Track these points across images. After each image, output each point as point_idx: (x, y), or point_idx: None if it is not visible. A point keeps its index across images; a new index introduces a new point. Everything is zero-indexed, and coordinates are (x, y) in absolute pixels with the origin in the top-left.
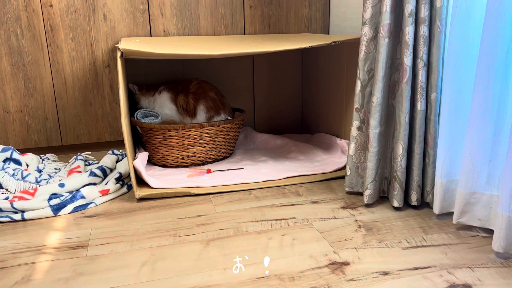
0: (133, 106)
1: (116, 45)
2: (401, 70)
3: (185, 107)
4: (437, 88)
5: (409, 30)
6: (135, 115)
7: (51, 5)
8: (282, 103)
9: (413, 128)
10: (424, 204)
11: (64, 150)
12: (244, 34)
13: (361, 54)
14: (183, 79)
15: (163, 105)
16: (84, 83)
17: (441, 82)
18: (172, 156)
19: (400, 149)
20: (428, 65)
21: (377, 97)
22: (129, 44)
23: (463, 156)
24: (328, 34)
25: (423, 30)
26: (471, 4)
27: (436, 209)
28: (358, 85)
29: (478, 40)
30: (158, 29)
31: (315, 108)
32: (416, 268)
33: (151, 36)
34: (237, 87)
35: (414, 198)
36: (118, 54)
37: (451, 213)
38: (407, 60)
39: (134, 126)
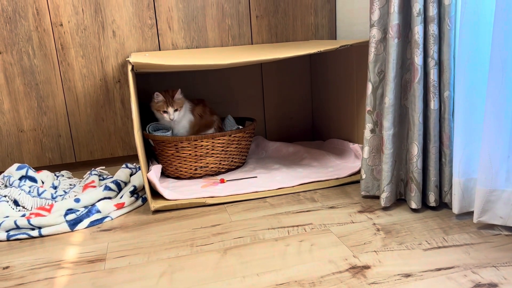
0: (144, 120)
1: (126, 59)
2: (412, 70)
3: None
4: (449, 86)
5: (418, 30)
6: (147, 129)
7: (61, 24)
8: (293, 110)
9: (427, 127)
10: (443, 204)
11: (78, 166)
12: (252, 44)
13: (371, 56)
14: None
15: (185, 116)
16: (96, 99)
17: (454, 80)
18: (185, 168)
19: (415, 149)
20: (440, 64)
21: (389, 98)
22: (139, 58)
23: (481, 153)
24: (336, 39)
25: (433, 28)
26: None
27: (455, 209)
28: (369, 87)
29: (489, 35)
30: (167, 42)
31: (326, 114)
32: (439, 269)
33: (160, 50)
34: (247, 97)
35: (432, 199)
36: (129, 67)
37: (471, 213)
38: (418, 60)
39: (146, 140)
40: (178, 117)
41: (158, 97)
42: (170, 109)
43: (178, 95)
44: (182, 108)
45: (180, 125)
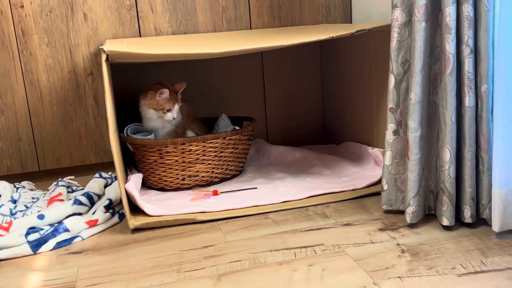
0: (122, 120)
1: (100, 47)
2: (443, 59)
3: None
4: (487, 79)
5: (450, 11)
6: (124, 131)
7: (22, 6)
8: (299, 108)
9: (461, 128)
10: (480, 220)
11: (42, 176)
12: (250, 28)
13: (393, 43)
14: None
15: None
16: (64, 95)
17: (493, 71)
18: (171, 177)
19: (447, 154)
20: (476, 52)
21: (415, 93)
22: (115, 46)
23: None
24: (351, 23)
25: (467, 10)
26: None
27: (496, 226)
28: (392, 80)
29: None
30: (149, 27)
31: (340, 112)
32: None
33: (140, 36)
34: (244, 92)
35: (467, 214)
36: (103, 57)
37: None
38: (450, 47)
39: (124, 144)
40: (177, 116)
41: (163, 94)
42: (176, 107)
43: (181, 86)
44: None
45: (168, 126)
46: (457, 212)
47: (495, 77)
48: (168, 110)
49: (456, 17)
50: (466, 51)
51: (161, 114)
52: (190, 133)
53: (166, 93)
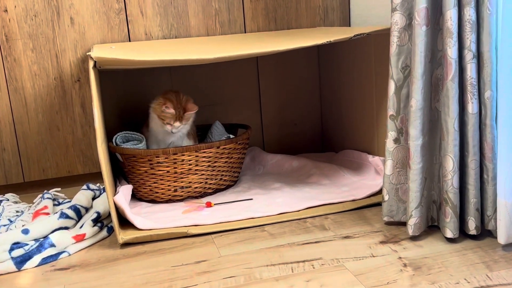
0: (111, 128)
1: (87, 54)
2: (444, 65)
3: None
4: (491, 84)
5: (451, 14)
6: (113, 140)
7: (6, 10)
8: (296, 115)
9: (464, 136)
10: (486, 232)
11: (26, 188)
12: (245, 32)
13: (393, 48)
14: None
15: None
16: (50, 103)
17: (496, 76)
18: (163, 189)
19: (450, 163)
20: (478, 57)
21: (416, 100)
22: (103, 52)
23: None
24: (349, 26)
25: (469, 13)
26: None
27: (502, 239)
28: (392, 86)
29: None
30: (138, 32)
31: (338, 119)
32: None
33: (130, 40)
34: (239, 98)
35: (472, 225)
36: (91, 64)
37: None
38: (452, 52)
39: (113, 154)
40: (178, 131)
41: (168, 109)
42: (177, 124)
43: (192, 109)
44: (188, 121)
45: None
46: (461, 223)
47: (499, 83)
48: (168, 123)
49: (458, 21)
50: (469, 56)
51: (161, 123)
52: (186, 142)
53: (170, 109)
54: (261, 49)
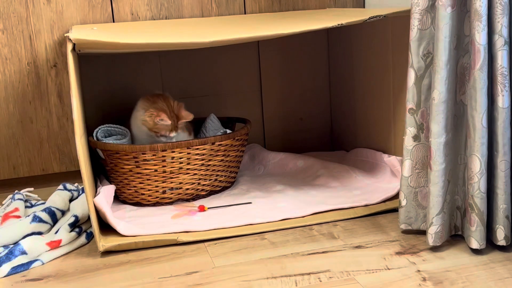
0: (91, 121)
1: (65, 35)
2: (472, 52)
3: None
4: None
5: None
6: (94, 134)
7: None
8: (302, 108)
9: (493, 133)
10: None
11: None
12: (245, 13)
13: (413, 32)
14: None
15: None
16: (22, 91)
17: None
18: (150, 190)
19: (477, 164)
20: (510, 43)
21: (439, 92)
22: (83, 33)
23: None
24: (364, 7)
25: None
26: None
27: None
28: (412, 76)
29: None
30: (124, 11)
31: (350, 113)
32: None
33: (114, 21)
34: (237, 89)
35: (500, 235)
36: (69, 47)
37: None
38: (480, 37)
39: (93, 150)
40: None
41: (164, 121)
42: (172, 134)
43: (187, 117)
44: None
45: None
46: (488, 233)
47: None
48: (163, 136)
49: (488, 2)
50: (499, 42)
51: (153, 135)
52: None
53: (166, 121)
54: (263, 32)
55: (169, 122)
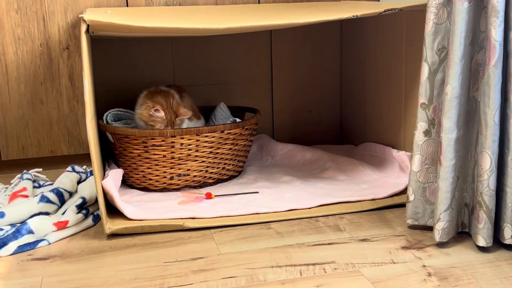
0: (101, 104)
1: (80, 16)
2: (487, 48)
3: None
4: None
5: None
6: (104, 117)
7: None
8: (312, 100)
9: (505, 131)
10: None
11: (4, 167)
12: (259, 2)
13: (429, 26)
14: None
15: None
16: (33, 72)
17: None
18: (157, 175)
19: (487, 162)
20: None
21: (452, 87)
22: (97, 15)
23: None
24: (379, 0)
25: None
26: None
27: None
28: (425, 70)
29: None
30: None
31: (361, 106)
32: None
33: (127, 6)
34: (248, 78)
35: (508, 233)
36: (83, 28)
37: None
38: (496, 33)
39: (103, 133)
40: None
41: (158, 113)
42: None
43: (186, 114)
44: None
45: None
46: (496, 230)
47: None
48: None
49: None
50: None
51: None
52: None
53: (161, 114)
54: (277, 21)
55: (162, 113)
